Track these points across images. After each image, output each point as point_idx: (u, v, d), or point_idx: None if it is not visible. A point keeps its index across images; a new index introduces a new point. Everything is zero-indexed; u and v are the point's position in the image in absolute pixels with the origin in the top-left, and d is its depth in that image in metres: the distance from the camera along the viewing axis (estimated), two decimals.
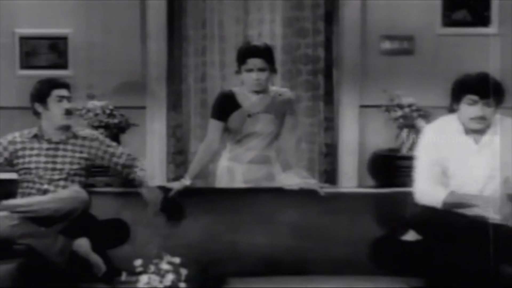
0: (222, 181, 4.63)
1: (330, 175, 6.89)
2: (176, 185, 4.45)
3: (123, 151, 4.39)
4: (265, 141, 4.56)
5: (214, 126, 4.56)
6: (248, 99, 4.55)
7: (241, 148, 4.57)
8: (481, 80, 3.94)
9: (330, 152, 6.91)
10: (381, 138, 6.52)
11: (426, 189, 3.96)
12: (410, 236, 4.01)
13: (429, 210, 3.93)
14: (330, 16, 6.85)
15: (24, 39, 6.59)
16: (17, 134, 4.33)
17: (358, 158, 6.69)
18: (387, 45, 6.68)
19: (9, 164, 4.30)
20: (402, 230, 4.03)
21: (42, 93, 4.28)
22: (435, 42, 6.63)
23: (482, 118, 3.93)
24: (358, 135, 6.72)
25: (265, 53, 4.52)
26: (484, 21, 6.63)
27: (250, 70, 4.49)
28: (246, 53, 4.53)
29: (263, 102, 4.55)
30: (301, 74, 6.89)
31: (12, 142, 4.29)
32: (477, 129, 3.95)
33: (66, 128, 4.30)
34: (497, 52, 6.61)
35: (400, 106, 6.26)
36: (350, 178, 6.69)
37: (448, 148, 4.00)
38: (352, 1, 6.65)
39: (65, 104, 4.28)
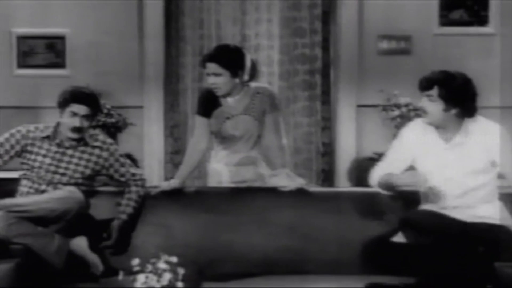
0: (212, 182, 4.61)
1: (327, 174, 6.90)
2: (164, 185, 4.45)
3: (128, 169, 4.32)
4: (248, 142, 4.51)
5: (200, 122, 4.52)
6: (227, 100, 4.48)
7: (226, 151, 4.54)
8: (427, 76, 4.05)
9: (327, 152, 6.91)
10: (378, 137, 6.53)
11: (374, 171, 4.16)
12: (401, 237, 4.02)
13: (419, 213, 3.95)
14: (327, 16, 6.86)
15: (21, 39, 6.59)
16: (32, 127, 4.28)
17: (355, 158, 6.70)
18: (384, 45, 6.69)
19: (18, 156, 4.27)
20: (394, 231, 4.04)
21: (63, 102, 4.21)
22: (432, 42, 6.65)
23: (423, 111, 4.04)
24: (355, 134, 6.72)
25: (220, 57, 4.40)
26: (481, 20, 6.64)
27: (208, 75, 4.43)
28: (204, 58, 4.48)
29: (241, 103, 4.48)
30: (298, 74, 6.90)
31: (25, 137, 4.26)
32: (425, 122, 4.05)
33: (76, 138, 4.25)
34: (495, 52, 6.62)
35: (397, 106, 6.27)
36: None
37: (419, 146, 4.08)
38: (349, 1, 6.65)
39: (76, 122, 4.16)
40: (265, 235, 4.27)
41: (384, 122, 6.37)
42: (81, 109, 4.18)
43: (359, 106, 6.69)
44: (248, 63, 4.47)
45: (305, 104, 6.90)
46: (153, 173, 6.62)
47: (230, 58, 4.42)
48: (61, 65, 6.61)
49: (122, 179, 4.30)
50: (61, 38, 6.61)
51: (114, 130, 6.24)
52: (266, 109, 4.49)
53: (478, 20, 6.64)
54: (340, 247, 4.23)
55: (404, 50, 6.68)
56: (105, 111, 6.18)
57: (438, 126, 4.03)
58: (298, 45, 6.89)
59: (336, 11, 6.75)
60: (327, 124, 6.91)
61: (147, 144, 6.69)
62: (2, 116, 6.23)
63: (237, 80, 4.42)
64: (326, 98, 6.91)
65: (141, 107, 6.67)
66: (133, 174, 4.32)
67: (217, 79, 4.39)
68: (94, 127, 6.00)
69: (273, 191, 4.39)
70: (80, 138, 4.26)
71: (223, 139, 4.54)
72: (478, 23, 6.64)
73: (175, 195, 4.40)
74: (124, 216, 4.19)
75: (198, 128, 4.54)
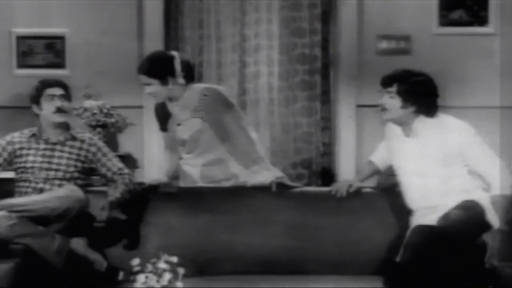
0: (186, 183, 4.58)
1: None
2: (151, 180, 4.55)
3: (115, 164, 4.35)
4: (209, 144, 4.48)
5: (163, 137, 4.66)
6: (174, 107, 4.49)
7: (191, 154, 4.53)
8: (388, 73, 4.19)
9: (327, 152, 6.91)
10: (378, 137, 6.52)
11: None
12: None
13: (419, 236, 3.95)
14: (327, 15, 6.86)
15: (21, 39, 6.59)
16: (16, 134, 4.36)
17: (355, 158, 6.69)
18: (384, 44, 6.68)
19: (9, 164, 4.31)
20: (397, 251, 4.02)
21: (36, 94, 4.33)
22: (431, 42, 6.64)
23: (383, 108, 4.11)
24: (355, 134, 6.72)
25: (145, 68, 4.41)
26: (480, 20, 6.64)
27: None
28: (137, 69, 4.49)
29: (189, 107, 4.45)
30: (298, 74, 6.89)
31: (11, 143, 4.30)
32: (384, 118, 4.16)
33: (62, 126, 4.30)
34: (495, 52, 6.62)
35: None
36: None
37: (392, 140, 4.24)
38: (349, 0, 6.65)
39: (56, 102, 4.29)
40: (265, 235, 4.27)
41: (384, 122, 6.36)
42: (56, 90, 4.31)
43: (359, 106, 6.69)
44: (178, 67, 4.42)
45: (304, 104, 6.90)
46: (153, 173, 6.61)
47: (155, 67, 4.41)
48: (60, 65, 6.61)
49: (108, 173, 4.32)
50: (61, 38, 6.61)
51: (114, 130, 6.24)
52: (218, 110, 4.45)
53: (478, 20, 6.63)
54: (340, 247, 4.24)
55: (404, 50, 6.67)
56: (105, 111, 6.17)
57: (397, 123, 4.12)
58: (297, 45, 6.89)
59: (336, 11, 6.75)
60: (327, 124, 6.91)
61: (147, 144, 6.68)
62: (2, 116, 6.23)
63: (170, 86, 4.41)
64: (326, 98, 6.91)
65: (141, 107, 6.66)
66: (120, 169, 4.35)
67: (150, 88, 4.42)
68: (94, 127, 6.07)
69: (272, 191, 4.39)
70: (67, 132, 4.28)
71: (181, 144, 4.54)
72: (478, 23, 6.63)
73: (175, 195, 4.41)
74: (112, 198, 4.17)
75: (164, 142, 4.67)
